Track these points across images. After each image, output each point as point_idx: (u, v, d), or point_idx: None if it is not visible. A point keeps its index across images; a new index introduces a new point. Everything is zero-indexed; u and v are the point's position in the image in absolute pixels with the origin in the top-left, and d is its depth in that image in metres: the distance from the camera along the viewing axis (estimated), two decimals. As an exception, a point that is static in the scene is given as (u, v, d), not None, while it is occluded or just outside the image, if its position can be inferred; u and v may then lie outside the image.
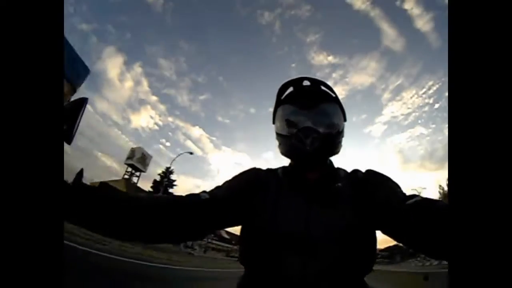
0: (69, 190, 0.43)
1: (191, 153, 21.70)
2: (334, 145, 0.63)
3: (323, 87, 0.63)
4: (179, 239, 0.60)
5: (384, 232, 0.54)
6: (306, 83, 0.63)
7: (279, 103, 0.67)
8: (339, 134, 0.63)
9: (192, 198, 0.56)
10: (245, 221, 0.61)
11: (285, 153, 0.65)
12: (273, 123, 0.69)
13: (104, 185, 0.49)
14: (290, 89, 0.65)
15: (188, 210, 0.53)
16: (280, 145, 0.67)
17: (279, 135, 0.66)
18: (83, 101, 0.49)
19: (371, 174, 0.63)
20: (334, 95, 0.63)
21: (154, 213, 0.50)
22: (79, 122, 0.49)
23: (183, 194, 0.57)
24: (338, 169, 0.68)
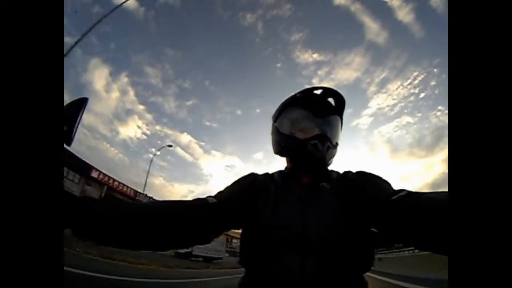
0: (76, 204, 0.43)
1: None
2: (334, 154, 0.67)
3: (332, 101, 0.67)
4: (188, 244, 0.59)
5: (376, 229, 0.55)
6: (321, 92, 0.66)
7: (287, 104, 0.68)
8: (337, 144, 0.68)
9: (200, 202, 0.57)
10: (246, 223, 0.62)
11: (290, 153, 0.67)
12: (275, 120, 0.70)
13: (109, 196, 0.49)
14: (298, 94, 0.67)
15: (198, 214, 0.54)
16: (280, 144, 0.68)
17: (283, 135, 0.67)
18: (83, 101, 0.49)
19: (361, 174, 0.65)
20: (339, 110, 0.67)
21: (164, 220, 0.50)
22: (79, 123, 0.49)
23: (190, 199, 0.58)
24: (331, 171, 0.70)
